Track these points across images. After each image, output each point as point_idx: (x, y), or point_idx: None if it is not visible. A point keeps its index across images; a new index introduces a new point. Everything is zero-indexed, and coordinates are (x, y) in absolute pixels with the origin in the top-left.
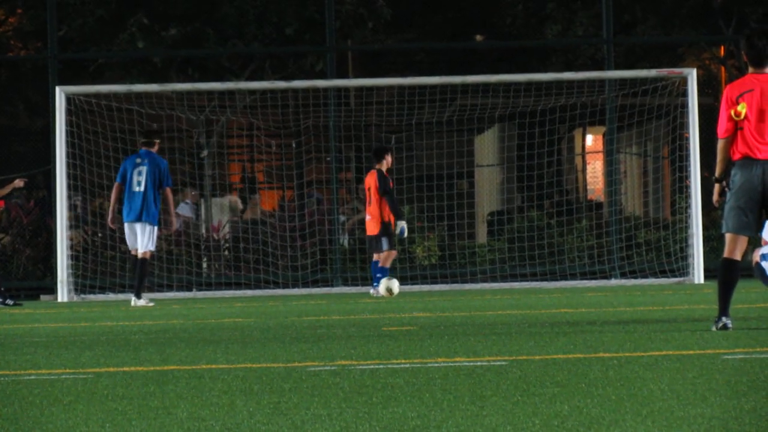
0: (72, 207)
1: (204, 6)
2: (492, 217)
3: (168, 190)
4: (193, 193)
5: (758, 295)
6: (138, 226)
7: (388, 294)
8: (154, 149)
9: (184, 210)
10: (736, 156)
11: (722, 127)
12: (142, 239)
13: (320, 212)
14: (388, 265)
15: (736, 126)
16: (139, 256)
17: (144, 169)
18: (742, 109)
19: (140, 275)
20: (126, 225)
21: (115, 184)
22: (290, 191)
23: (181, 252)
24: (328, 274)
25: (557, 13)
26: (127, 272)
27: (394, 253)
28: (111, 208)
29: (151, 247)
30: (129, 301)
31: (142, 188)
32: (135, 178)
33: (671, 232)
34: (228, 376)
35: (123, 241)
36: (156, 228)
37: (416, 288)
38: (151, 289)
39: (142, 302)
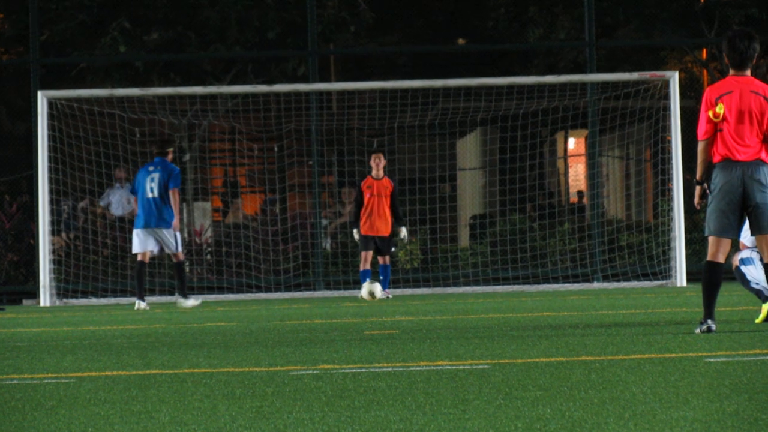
0: (59, 212)
1: (186, 10)
2: (474, 220)
3: (173, 191)
4: (123, 171)
5: (740, 298)
6: (159, 232)
7: (370, 298)
8: (168, 158)
9: (114, 198)
10: (716, 158)
11: (702, 129)
12: (169, 244)
13: (272, 212)
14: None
15: (716, 128)
16: (174, 260)
17: (156, 176)
18: (720, 110)
19: (180, 277)
20: (138, 231)
21: (133, 199)
22: (264, 194)
23: (163, 256)
24: (311, 277)
25: (539, 17)
26: (109, 276)
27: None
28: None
29: (179, 249)
30: (112, 306)
31: (156, 194)
32: (148, 185)
33: (653, 235)
34: (210, 381)
35: (105, 245)
36: (178, 231)
37: (398, 291)
38: (133, 294)
39: (190, 302)
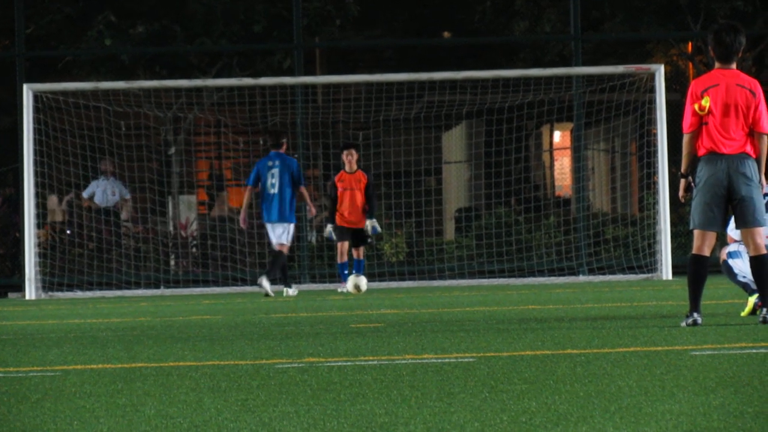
0: (68, 203)
1: (171, 3)
2: (460, 213)
3: (302, 189)
4: (109, 164)
5: (726, 291)
6: (277, 225)
7: (355, 291)
8: (283, 149)
9: (98, 189)
10: (702, 151)
11: (687, 121)
12: (280, 234)
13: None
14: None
15: (701, 121)
16: (276, 248)
17: (276, 171)
18: (705, 103)
19: (274, 264)
20: (268, 225)
21: (247, 188)
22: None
23: (149, 249)
24: (296, 270)
25: (525, 10)
26: (95, 269)
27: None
28: (243, 209)
29: (286, 242)
30: (97, 299)
31: (276, 190)
32: (269, 181)
33: (639, 229)
34: (196, 374)
35: (91, 239)
36: (293, 225)
37: (384, 285)
38: (119, 287)
39: (291, 291)
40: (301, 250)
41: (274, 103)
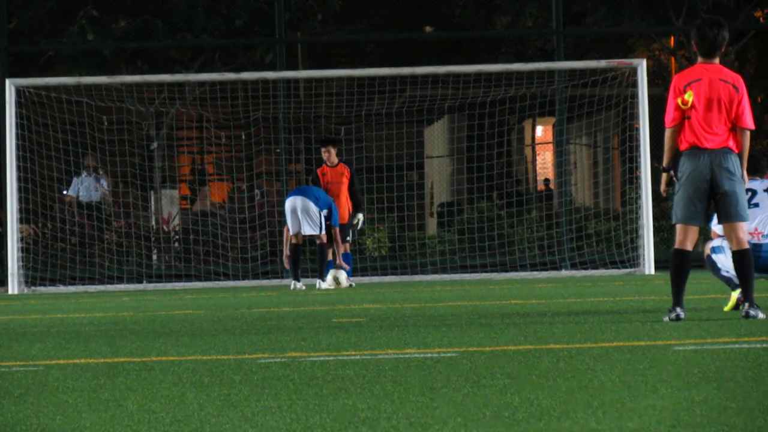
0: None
1: None
2: (442, 208)
3: None
4: (92, 159)
5: (708, 286)
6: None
7: (335, 285)
8: None
9: (82, 186)
10: (684, 146)
11: (669, 116)
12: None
13: (260, 205)
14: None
15: (684, 115)
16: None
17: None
18: (689, 97)
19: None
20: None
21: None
22: (239, 183)
23: (131, 244)
24: (278, 265)
25: (507, 4)
26: (77, 264)
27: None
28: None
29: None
30: (80, 294)
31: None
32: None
33: (621, 223)
34: (178, 369)
35: (73, 233)
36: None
37: (366, 279)
38: (101, 281)
39: (299, 285)
40: (282, 245)
41: (256, 97)
